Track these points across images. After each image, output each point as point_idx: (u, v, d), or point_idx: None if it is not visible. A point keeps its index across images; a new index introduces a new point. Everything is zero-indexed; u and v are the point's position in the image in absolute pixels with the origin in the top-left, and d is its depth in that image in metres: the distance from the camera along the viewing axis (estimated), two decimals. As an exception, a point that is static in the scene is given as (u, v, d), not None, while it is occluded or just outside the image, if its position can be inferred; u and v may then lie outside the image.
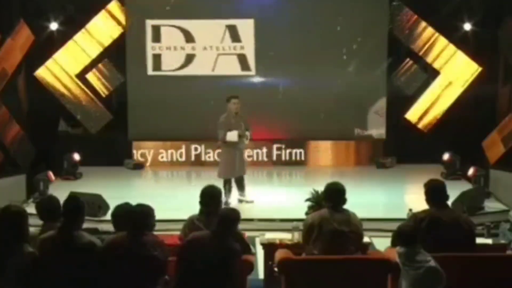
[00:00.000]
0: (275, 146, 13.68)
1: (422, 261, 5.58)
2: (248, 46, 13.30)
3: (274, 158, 13.67)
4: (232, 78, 13.21)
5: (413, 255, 5.63)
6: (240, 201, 10.42)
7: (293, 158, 13.65)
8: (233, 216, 5.87)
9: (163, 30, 13.36)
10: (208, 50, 13.35)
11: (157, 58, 13.44)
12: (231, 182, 10.32)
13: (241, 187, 10.46)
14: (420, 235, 5.79)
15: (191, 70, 13.29)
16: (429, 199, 6.24)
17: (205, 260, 5.52)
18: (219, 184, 6.54)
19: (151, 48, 13.41)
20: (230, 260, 5.60)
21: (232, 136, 10.04)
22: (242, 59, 13.35)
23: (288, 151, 13.64)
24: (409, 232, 5.77)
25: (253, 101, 12.47)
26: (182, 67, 13.38)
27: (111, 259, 5.43)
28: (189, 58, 13.36)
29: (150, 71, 13.44)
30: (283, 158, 13.67)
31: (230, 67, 13.30)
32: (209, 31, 13.29)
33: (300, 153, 13.61)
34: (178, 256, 5.64)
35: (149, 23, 13.33)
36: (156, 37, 13.38)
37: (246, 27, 13.24)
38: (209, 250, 5.57)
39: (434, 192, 6.24)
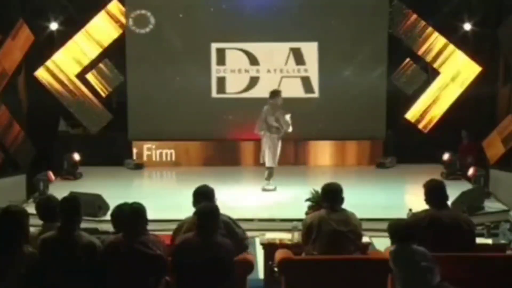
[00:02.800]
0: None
1: (415, 260, 5.57)
2: (312, 68, 13.38)
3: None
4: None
5: (405, 253, 5.63)
6: (265, 190, 10.94)
7: (293, 158, 13.66)
8: (208, 210, 5.71)
9: (228, 53, 13.41)
10: (272, 72, 13.41)
11: (221, 80, 13.48)
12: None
13: (269, 176, 11.13)
14: (414, 233, 5.78)
15: (255, 92, 13.21)
16: (428, 199, 6.24)
17: (195, 261, 5.48)
18: (213, 183, 6.48)
19: (215, 71, 13.44)
20: (221, 256, 5.52)
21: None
22: (306, 81, 13.46)
23: (288, 151, 13.66)
24: (401, 229, 5.76)
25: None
26: (246, 89, 13.42)
27: (112, 259, 5.43)
28: (253, 81, 13.40)
29: (214, 94, 13.48)
30: (283, 158, 13.67)
31: (293, 90, 13.30)
32: (273, 54, 13.37)
33: (301, 153, 13.65)
34: (171, 262, 5.60)
35: (214, 46, 13.38)
36: (221, 60, 13.43)
37: (310, 50, 13.33)
38: (197, 250, 5.51)
39: (434, 192, 6.24)
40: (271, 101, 11.13)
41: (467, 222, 6.23)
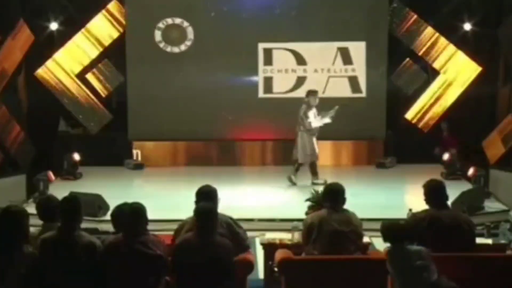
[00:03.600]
0: (275, 146, 13.70)
1: (410, 260, 5.58)
2: (359, 68, 13.39)
3: (275, 158, 13.69)
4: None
5: (400, 253, 5.63)
6: (314, 184, 11.02)
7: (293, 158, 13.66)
8: (206, 210, 5.71)
9: (275, 53, 13.41)
10: (319, 72, 13.40)
11: (268, 80, 13.48)
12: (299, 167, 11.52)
13: (314, 172, 11.48)
14: (408, 233, 5.79)
15: (302, 92, 12.88)
16: (428, 199, 6.23)
17: (195, 261, 5.48)
18: (213, 183, 6.48)
19: (262, 71, 13.45)
20: (220, 256, 5.52)
21: (318, 122, 11.44)
22: (353, 81, 13.46)
23: (288, 151, 13.67)
24: (393, 230, 5.76)
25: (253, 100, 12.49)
26: (293, 89, 13.39)
27: (112, 260, 5.43)
28: (300, 81, 13.38)
29: (261, 94, 13.48)
30: (283, 158, 13.68)
31: (341, 89, 13.33)
32: (320, 53, 13.36)
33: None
34: (170, 262, 5.60)
35: (261, 46, 13.38)
36: (268, 60, 13.43)
37: (358, 49, 13.34)
38: (196, 250, 5.51)
39: (434, 192, 6.23)
40: (306, 99, 11.52)
41: (467, 222, 6.22)
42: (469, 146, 12.62)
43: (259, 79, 13.52)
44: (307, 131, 11.47)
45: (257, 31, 13.41)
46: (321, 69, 13.46)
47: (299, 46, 13.42)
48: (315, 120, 11.45)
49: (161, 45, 13.52)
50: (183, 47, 13.54)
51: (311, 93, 11.60)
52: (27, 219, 5.55)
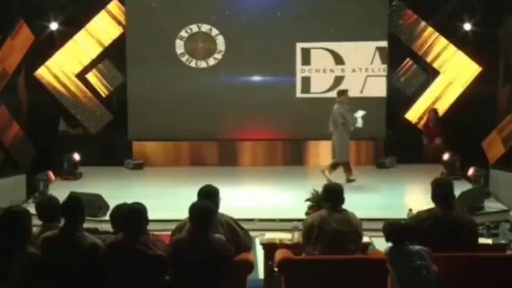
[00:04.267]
0: (275, 145, 13.70)
1: (410, 260, 5.58)
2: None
3: (275, 158, 13.69)
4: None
5: (400, 254, 5.63)
6: (350, 181, 11.44)
7: (293, 158, 13.67)
8: (200, 208, 5.66)
9: (313, 52, 13.37)
10: (357, 72, 13.39)
11: (306, 80, 13.45)
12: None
13: (349, 169, 11.64)
14: (410, 234, 5.78)
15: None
16: (435, 198, 6.20)
17: (190, 259, 5.46)
18: (213, 183, 6.48)
19: (300, 70, 13.41)
20: (215, 254, 5.49)
21: (359, 122, 11.67)
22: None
23: (288, 151, 13.69)
24: (395, 231, 5.76)
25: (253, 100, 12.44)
26: (330, 89, 13.33)
27: (112, 260, 5.43)
28: (338, 80, 13.34)
29: (298, 94, 13.45)
30: (283, 158, 13.69)
31: (378, 89, 13.34)
32: (358, 53, 13.34)
33: (300, 153, 13.65)
34: (168, 261, 5.61)
35: (299, 45, 13.33)
36: (306, 60, 13.39)
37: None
38: (191, 248, 5.49)
39: (441, 191, 6.20)
40: (339, 99, 11.64)
41: (471, 223, 6.21)
42: (469, 146, 12.61)
43: (297, 79, 13.46)
44: (346, 130, 11.56)
45: (295, 30, 13.32)
46: (359, 69, 13.41)
47: (338, 46, 13.37)
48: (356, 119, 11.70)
49: (184, 58, 13.40)
50: (212, 61, 13.47)
51: (345, 92, 11.74)
52: (30, 219, 5.55)
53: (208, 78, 13.36)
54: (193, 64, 13.38)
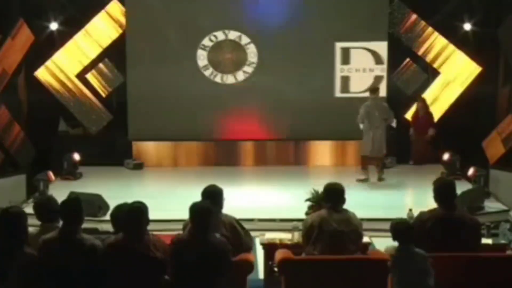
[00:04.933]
0: (275, 145, 13.70)
1: (416, 263, 5.57)
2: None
3: (275, 158, 13.70)
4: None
5: (407, 255, 5.62)
6: (381, 180, 11.91)
7: (293, 158, 13.67)
8: (200, 208, 5.65)
9: (353, 52, 13.36)
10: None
11: (345, 80, 13.43)
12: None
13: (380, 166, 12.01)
14: (419, 235, 5.78)
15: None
16: (437, 198, 6.19)
17: (189, 259, 5.46)
18: (216, 183, 6.49)
19: (339, 70, 13.39)
20: (214, 253, 5.48)
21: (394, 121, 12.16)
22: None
23: (288, 151, 13.69)
24: (405, 231, 5.75)
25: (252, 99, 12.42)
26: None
27: (112, 260, 5.42)
28: (378, 80, 13.32)
29: (338, 93, 13.43)
30: (283, 158, 13.69)
31: None
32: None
33: (301, 153, 13.66)
34: (168, 260, 5.60)
35: (338, 45, 13.30)
36: (345, 60, 13.38)
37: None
38: (190, 248, 5.49)
39: (443, 191, 6.19)
40: (373, 96, 11.92)
41: (473, 223, 6.19)
42: (469, 146, 12.61)
43: (336, 78, 13.45)
44: (382, 125, 11.87)
45: (333, 30, 13.28)
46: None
47: (377, 46, 13.33)
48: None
49: (208, 72, 13.31)
50: (241, 76, 13.40)
51: (378, 89, 12.15)
52: (26, 221, 5.54)
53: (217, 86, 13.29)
54: (218, 79, 13.28)
